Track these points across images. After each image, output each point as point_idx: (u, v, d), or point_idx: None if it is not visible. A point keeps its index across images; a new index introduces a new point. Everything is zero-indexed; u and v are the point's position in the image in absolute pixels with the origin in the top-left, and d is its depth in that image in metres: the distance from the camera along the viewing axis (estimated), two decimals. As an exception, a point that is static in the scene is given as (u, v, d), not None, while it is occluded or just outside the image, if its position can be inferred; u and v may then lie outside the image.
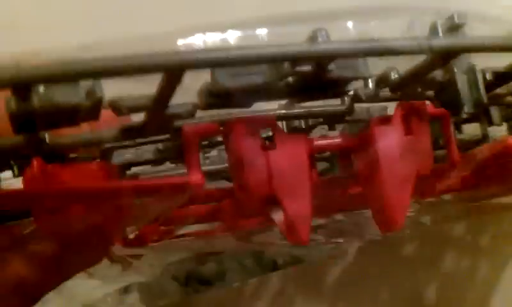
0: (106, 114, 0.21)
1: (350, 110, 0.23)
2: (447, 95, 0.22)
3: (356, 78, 0.20)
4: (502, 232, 0.43)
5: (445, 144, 0.24)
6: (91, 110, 0.17)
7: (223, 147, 0.31)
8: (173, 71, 0.15)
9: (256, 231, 0.26)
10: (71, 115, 0.17)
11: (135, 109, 0.18)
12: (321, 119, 0.25)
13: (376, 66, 0.23)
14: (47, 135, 0.20)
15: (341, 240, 0.26)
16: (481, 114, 0.30)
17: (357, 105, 0.25)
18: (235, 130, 0.20)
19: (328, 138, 0.23)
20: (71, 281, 0.35)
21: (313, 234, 0.27)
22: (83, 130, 0.21)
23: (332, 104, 0.23)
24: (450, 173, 0.24)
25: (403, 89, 0.21)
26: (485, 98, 0.21)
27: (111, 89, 0.18)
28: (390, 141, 0.21)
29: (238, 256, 0.40)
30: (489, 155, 0.22)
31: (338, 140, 0.22)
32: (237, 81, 0.18)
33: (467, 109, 0.21)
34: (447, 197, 0.32)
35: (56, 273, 0.21)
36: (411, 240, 0.42)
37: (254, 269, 0.40)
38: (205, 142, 0.25)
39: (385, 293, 0.41)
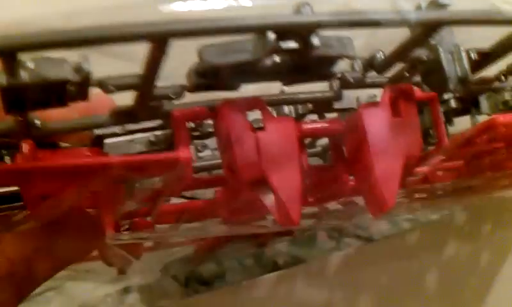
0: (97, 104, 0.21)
1: (338, 95, 0.24)
2: (433, 75, 0.22)
3: (342, 57, 0.20)
4: (503, 221, 0.43)
5: (434, 127, 0.24)
6: (80, 87, 0.17)
7: (216, 147, 0.31)
8: (158, 40, 0.15)
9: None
10: (60, 92, 0.17)
11: (123, 87, 0.18)
12: (310, 107, 0.25)
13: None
14: (38, 121, 0.20)
15: (334, 223, 0.26)
16: (471, 105, 0.30)
17: (346, 94, 0.25)
18: (223, 111, 0.20)
19: (317, 122, 0.23)
20: (71, 281, 0.35)
21: (305, 220, 0.27)
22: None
23: (320, 90, 0.24)
24: (439, 156, 0.24)
25: (389, 69, 0.22)
26: (470, 76, 0.21)
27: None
28: (377, 122, 0.22)
29: (238, 256, 0.40)
30: (476, 132, 0.22)
31: (326, 123, 0.23)
32: (223, 58, 0.18)
33: (452, 86, 0.21)
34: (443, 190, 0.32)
35: (49, 262, 0.21)
36: (411, 230, 0.42)
37: (254, 269, 0.40)
38: (197, 134, 0.26)
39: (385, 283, 0.41)
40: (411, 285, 0.43)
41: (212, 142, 0.32)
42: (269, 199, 0.22)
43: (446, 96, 0.29)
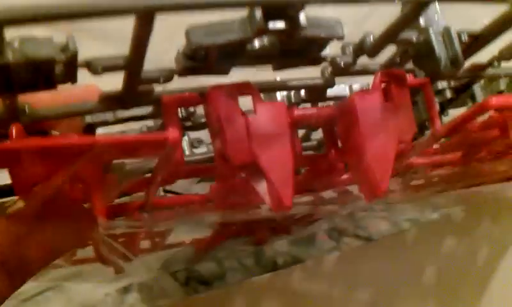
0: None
1: (330, 82, 0.24)
2: (424, 58, 0.22)
3: (331, 39, 0.20)
4: (501, 218, 0.43)
5: (427, 113, 0.24)
6: (67, 68, 0.17)
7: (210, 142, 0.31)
8: (144, 15, 0.15)
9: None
10: (47, 73, 0.17)
11: (111, 68, 0.18)
12: (303, 96, 0.25)
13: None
14: (27, 107, 0.20)
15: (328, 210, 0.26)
16: (465, 96, 0.30)
17: (339, 83, 0.25)
18: (213, 95, 0.20)
19: (309, 108, 0.23)
20: (71, 280, 0.35)
21: (298, 207, 0.26)
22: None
23: (312, 77, 0.24)
24: (433, 142, 0.24)
25: (380, 52, 0.21)
26: (461, 57, 0.21)
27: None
28: (369, 105, 0.21)
29: (238, 256, 0.40)
30: (469, 114, 0.22)
31: (318, 109, 0.23)
32: (211, 39, 0.18)
33: (444, 67, 0.21)
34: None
35: (40, 251, 0.21)
36: (410, 230, 0.43)
37: (254, 269, 0.40)
38: (190, 124, 0.25)
39: (384, 281, 0.41)
40: (411, 284, 0.42)
41: (207, 136, 0.32)
42: (261, 186, 0.21)
43: (440, 86, 0.29)
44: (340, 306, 0.41)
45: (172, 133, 0.18)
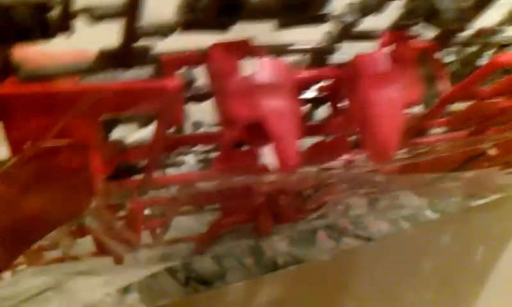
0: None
1: (335, 46, 0.23)
2: (431, 13, 0.21)
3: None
4: (498, 218, 0.43)
5: (436, 76, 0.23)
6: (63, 15, 0.17)
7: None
8: None
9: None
10: (43, 19, 0.17)
11: (108, 16, 0.18)
12: (308, 59, 0.24)
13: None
14: (22, 65, 0.19)
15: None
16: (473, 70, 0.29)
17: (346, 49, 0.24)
18: (215, 53, 0.19)
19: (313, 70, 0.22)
20: (70, 280, 0.34)
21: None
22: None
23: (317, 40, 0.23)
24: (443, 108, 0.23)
25: (385, 6, 0.21)
26: (468, 10, 0.21)
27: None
28: (373, 63, 0.21)
29: (238, 256, 0.39)
30: (478, 72, 0.21)
31: (321, 70, 0.22)
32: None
33: (450, 19, 0.20)
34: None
35: (36, 220, 0.20)
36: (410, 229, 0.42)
37: (254, 269, 0.39)
38: (190, 95, 0.25)
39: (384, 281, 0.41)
40: (410, 283, 0.42)
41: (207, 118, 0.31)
42: (266, 148, 0.21)
43: (448, 59, 0.29)
44: (340, 306, 0.41)
45: (171, 81, 0.17)
